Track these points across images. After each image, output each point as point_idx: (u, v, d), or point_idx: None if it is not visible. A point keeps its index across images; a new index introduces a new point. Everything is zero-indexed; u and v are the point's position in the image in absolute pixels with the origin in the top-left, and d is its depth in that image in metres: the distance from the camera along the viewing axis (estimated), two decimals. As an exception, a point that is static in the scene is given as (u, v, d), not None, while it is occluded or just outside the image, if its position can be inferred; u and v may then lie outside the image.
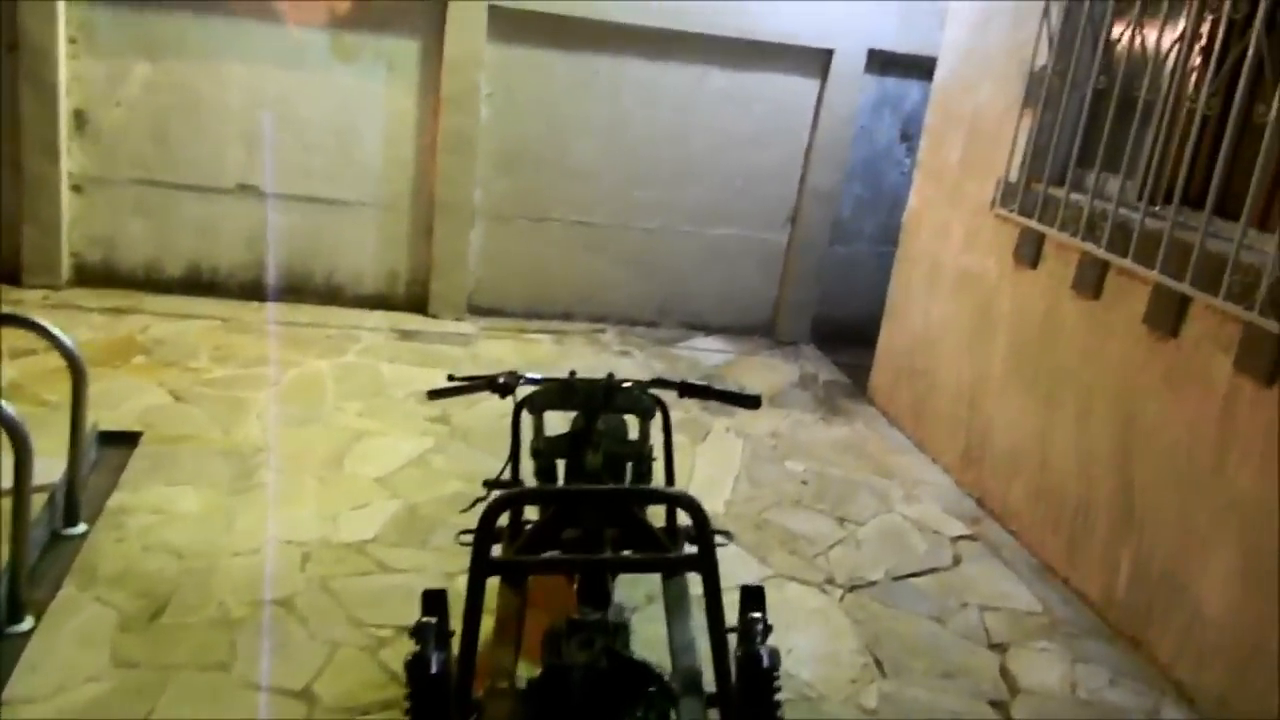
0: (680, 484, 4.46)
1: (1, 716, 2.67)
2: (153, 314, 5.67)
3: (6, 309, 3.79)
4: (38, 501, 3.41)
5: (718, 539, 3.30)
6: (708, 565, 1.97)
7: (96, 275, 5.91)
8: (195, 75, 5.74)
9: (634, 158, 6.30)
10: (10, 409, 2.98)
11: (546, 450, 2.91)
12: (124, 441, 4.23)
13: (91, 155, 5.76)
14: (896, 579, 3.94)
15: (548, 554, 2.19)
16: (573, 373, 2.77)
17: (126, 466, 4.05)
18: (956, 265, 5.10)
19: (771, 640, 1.84)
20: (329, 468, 4.25)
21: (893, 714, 3.14)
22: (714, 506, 4.31)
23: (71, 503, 3.61)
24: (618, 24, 5.98)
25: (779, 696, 1.81)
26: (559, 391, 2.75)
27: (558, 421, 3.00)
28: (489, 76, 5.98)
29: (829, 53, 6.25)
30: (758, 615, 1.68)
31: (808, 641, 3.46)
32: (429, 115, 5.97)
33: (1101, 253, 3.96)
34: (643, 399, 2.80)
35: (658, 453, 3.02)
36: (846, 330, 6.66)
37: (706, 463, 4.76)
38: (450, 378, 2.73)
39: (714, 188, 6.45)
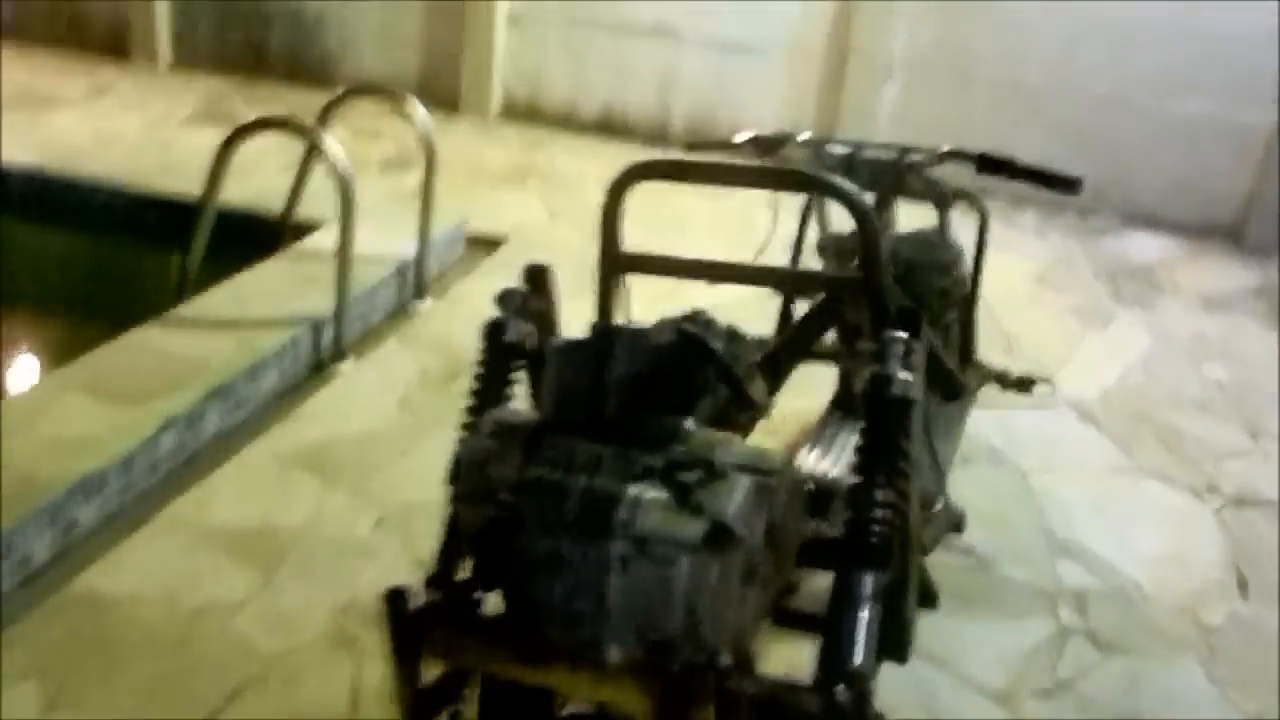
0: (1052, 362, 3.82)
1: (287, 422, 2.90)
2: (561, 149, 5.89)
3: (440, 133, 4.05)
4: (383, 269, 3.68)
5: (1036, 386, 2.80)
6: (871, 287, 1.54)
7: (521, 110, 6.25)
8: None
9: (1078, 9, 5.42)
10: (344, 161, 3.17)
11: (830, 246, 2.51)
12: (492, 245, 4.44)
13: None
14: (1311, 505, 3.06)
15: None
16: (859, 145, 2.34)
17: (484, 263, 4.24)
18: None
19: (912, 376, 1.33)
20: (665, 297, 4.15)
21: (1239, 637, 2.43)
22: (1087, 391, 3.63)
23: (420, 279, 3.83)
24: None
25: (905, 430, 1.33)
26: (840, 164, 2.34)
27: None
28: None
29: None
30: (901, 335, 1.26)
31: (1152, 540, 2.79)
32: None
33: None
34: (939, 184, 2.31)
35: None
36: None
37: (1096, 347, 4.03)
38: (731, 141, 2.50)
39: (1176, 50, 5.38)
